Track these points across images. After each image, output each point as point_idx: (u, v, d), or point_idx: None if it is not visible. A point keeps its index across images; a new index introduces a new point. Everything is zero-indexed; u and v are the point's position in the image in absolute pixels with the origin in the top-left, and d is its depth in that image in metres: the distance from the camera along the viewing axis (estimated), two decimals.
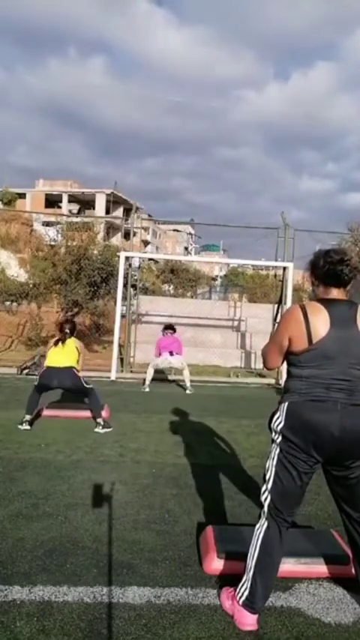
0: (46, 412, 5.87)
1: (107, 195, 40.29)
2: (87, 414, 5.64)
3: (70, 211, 36.81)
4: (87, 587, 2.36)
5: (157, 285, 24.59)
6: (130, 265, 11.51)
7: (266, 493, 2.17)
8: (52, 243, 14.44)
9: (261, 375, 10.90)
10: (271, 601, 2.31)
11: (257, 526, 2.20)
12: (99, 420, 5.29)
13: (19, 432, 5.05)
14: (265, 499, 2.17)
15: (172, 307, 13.62)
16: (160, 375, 8.50)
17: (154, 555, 2.68)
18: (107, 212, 39.02)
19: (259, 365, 11.76)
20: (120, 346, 10.10)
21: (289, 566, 2.52)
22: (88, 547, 2.74)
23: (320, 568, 2.53)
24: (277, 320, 10.85)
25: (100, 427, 5.24)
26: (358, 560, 2.28)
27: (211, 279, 31.98)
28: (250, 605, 2.10)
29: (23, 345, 12.15)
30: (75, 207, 42.86)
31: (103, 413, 5.54)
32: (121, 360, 10.48)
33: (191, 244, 57.32)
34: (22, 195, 40.83)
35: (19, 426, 5.14)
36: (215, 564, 2.50)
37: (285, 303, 10.32)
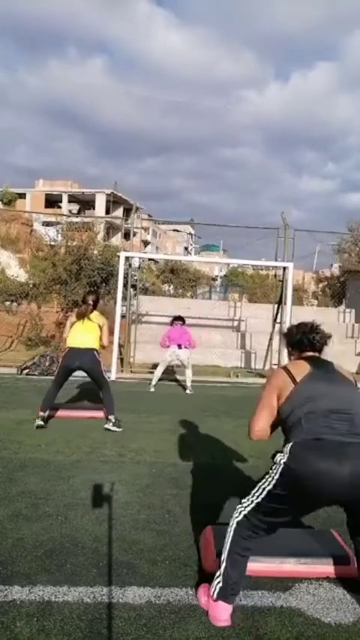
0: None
1: (107, 195, 40.22)
2: (87, 413, 5.64)
3: (70, 211, 36.78)
4: (87, 587, 2.36)
5: (157, 285, 24.59)
6: (130, 265, 11.52)
7: (249, 506, 2.16)
8: (52, 243, 14.44)
9: (261, 375, 10.90)
10: (271, 601, 2.31)
11: (231, 522, 2.20)
12: (110, 417, 5.24)
13: (19, 432, 5.05)
14: (247, 507, 2.17)
15: (172, 307, 13.61)
16: (163, 375, 8.47)
17: (154, 555, 2.68)
18: (107, 212, 38.99)
19: (259, 365, 11.77)
20: (120, 346, 10.11)
21: (289, 566, 2.52)
22: (88, 547, 2.74)
23: (320, 568, 2.53)
24: (277, 320, 10.87)
25: (111, 424, 5.20)
26: None
27: (211, 279, 31.98)
28: (223, 597, 2.13)
29: (23, 345, 12.15)
30: (75, 207, 42.82)
31: (103, 413, 5.54)
32: (121, 360, 10.48)
33: (191, 244, 57.27)
34: (22, 195, 40.80)
35: (36, 421, 5.10)
36: (215, 564, 2.49)
37: (285, 303, 10.32)
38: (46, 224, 22.40)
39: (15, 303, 13.62)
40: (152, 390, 8.03)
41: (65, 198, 41.61)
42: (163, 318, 12.49)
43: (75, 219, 17.27)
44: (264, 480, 2.14)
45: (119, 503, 3.35)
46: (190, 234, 57.70)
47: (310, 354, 2.38)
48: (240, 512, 2.19)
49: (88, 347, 5.22)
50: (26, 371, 9.07)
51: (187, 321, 12.92)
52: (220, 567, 2.18)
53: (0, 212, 29.42)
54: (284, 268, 10.60)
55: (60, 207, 40.61)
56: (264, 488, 2.12)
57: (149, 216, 30.61)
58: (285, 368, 2.30)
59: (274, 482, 2.09)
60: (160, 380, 8.32)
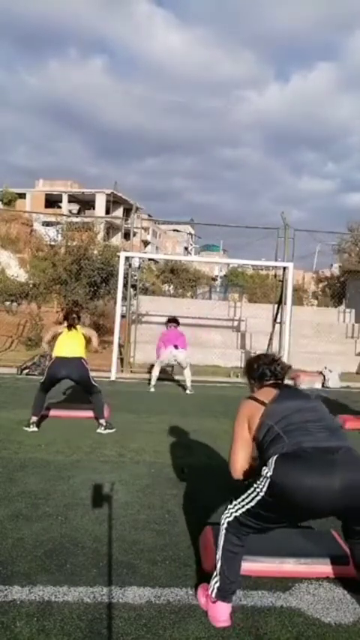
0: (46, 412, 5.87)
1: (107, 195, 40.24)
2: (87, 414, 5.64)
3: (70, 211, 36.78)
4: (87, 587, 2.36)
5: (157, 285, 24.60)
6: (130, 265, 11.52)
7: (240, 510, 2.16)
8: (52, 243, 14.44)
9: None
10: (271, 601, 2.31)
11: (222, 521, 2.21)
12: (101, 420, 5.26)
13: (19, 432, 5.05)
14: (238, 510, 2.16)
15: (172, 307, 13.61)
16: (161, 375, 8.48)
17: (154, 555, 2.68)
18: (107, 212, 38.99)
19: None
20: (120, 346, 10.11)
21: (289, 566, 2.52)
22: (88, 547, 2.74)
23: (320, 568, 2.53)
24: (277, 320, 10.87)
25: (103, 428, 5.22)
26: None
27: (211, 279, 31.99)
28: (221, 597, 2.13)
29: (23, 345, 12.15)
30: (75, 207, 42.81)
31: (104, 413, 5.53)
32: (121, 360, 10.48)
33: (191, 244, 57.27)
34: (22, 195, 40.80)
35: (26, 428, 5.08)
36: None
37: (285, 303, 10.32)
38: (46, 224, 22.42)
39: (15, 303, 13.63)
40: (152, 390, 8.03)
41: (65, 198, 41.60)
42: (163, 318, 12.48)
43: (75, 219, 17.28)
44: (252, 489, 2.12)
45: (119, 503, 3.35)
46: (190, 234, 57.71)
47: (272, 382, 2.45)
48: (231, 513, 2.19)
49: (76, 356, 5.25)
50: (26, 371, 9.07)
51: (187, 321, 12.98)
52: (216, 567, 2.19)
53: (0, 212, 29.41)
54: (284, 268, 10.60)
55: (60, 207, 40.60)
56: (253, 498, 2.11)
57: (149, 216, 30.62)
58: (251, 397, 2.37)
59: (262, 493, 2.07)
60: (160, 380, 8.32)
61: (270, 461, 2.08)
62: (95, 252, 12.78)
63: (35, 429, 5.12)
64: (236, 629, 2.10)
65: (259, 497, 2.08)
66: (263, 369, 2.48)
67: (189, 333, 12.44)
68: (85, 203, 43.14)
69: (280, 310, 10.77)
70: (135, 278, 12.34)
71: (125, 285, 10.51)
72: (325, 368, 9.86)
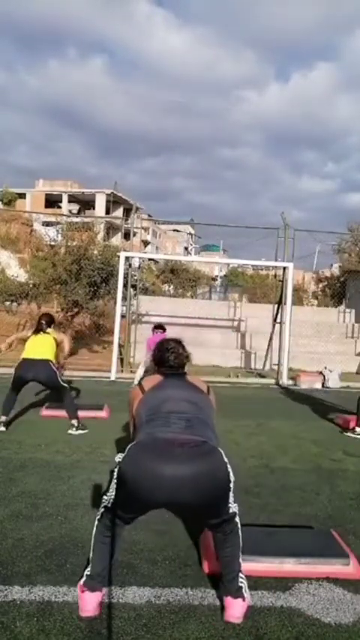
0: (46, 412, 5.88)
1: (107, 195, 40.21)
2: (87, 414, 5.64)
3: (70, 211, 36.78)
4: None
5: (157, 285, 24.59)
6: (130, 265, 11.52)
7: (106, 502, 2.26)
8: (52, 243, 14.42)
9: (261, 375, 10.91)
10: (271, 601, 2.31)
11: (97, 515, 2.29)
12: (73, 421, 5.19)
13: (19, 432, 5.05)
14: (105, 502, 2.26)
15: (172, 307, 13.62)
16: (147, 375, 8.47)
17: (154, 555, 2.68)
18: (107, 212, 38.98)
19: (259, 365, 11.78)
20: (120, 346, 10.11)
21: (289, 566, 2.52)
22: (88, 547, 2.73)
23: (320, 568, 2.53)
24: (277, 320, 10.87)
25: (74, 428, 5.15)
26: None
27: (211, 279, 31.98)
28: (89, 586, 2.17)
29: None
30: (75, 207, 42.82)
31: (103, 413, 5.53)
32: (121, 360, 10.48)
33: (191, 244, 57.24)
34: (22, 195, 40.81)
35: None
36: (215, 564, 2.49)
37: (285, 303, 10.32)
38: (46, 224, 22.39)
39: (15, 303, 13.61)
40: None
41: (65, 198, 41.61)
42: (163, 318, 12.48)
43: (75, 219, 17.27)
44: (112, 480, 2.23)
45: None
46: (190, 234, 57.68)
47: (169, 370, 2.52)
48: (101, 506, 2.28)
49: (42, 358, 5.20)
50: None
51: (187, 321, 13.01)
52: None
53: (0, 212, 29.40)
54: (284, 268, 10.60)
55: (60, 207, 40.61)
56: (113, 487, 2.22)
57: (149, 216, 30.61)
58: (139, 383, 2.56)
59: (116, 482, 2.18)
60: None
61: (126, 448, 2.20)
62: (95, 252, 12.76)
63: (3, 428, 5.08)
64: (236, 629, 2.10)
65: (115, 486, 2.19)
66: (161, 355, 2.55)
67: (189, 334, 12.48)
68: (85, 203, 43.15)
69: (280, 310, 10.77)
70: (135, 278, 12.34)
71: (125, 285, 10.51)
72: (325, 368, 9.87)
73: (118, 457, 2.19)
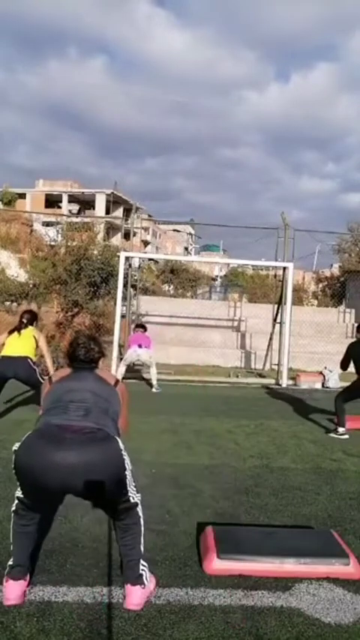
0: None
1: (107, 195, 40.22)
2: None
3: (70, 211, 36.77)
4: (87, 587, 2.36)
5: (157, 285, 24.59)
6: (130, 265, 11.52)
7: (17, 492, 2.28)
8: (52, 243, 14.42)
9: (261, 375, 10.91)
10: (271, 601, 2.31)
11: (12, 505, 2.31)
12: None
13: (20, 432, 5.03)
14: (16, 493, 2.29)
15: (172, 307, 13.61)
16: (128, 374, 8.42)
17: (154, 555, 2.68)
18: (107, 212, 38.97)
19: (259, 365, 11.77)
20: (120, 346, 10.10)
21: (289, 566, 2.52)
22: (88, 547, 2.74)
23: (320, 568, 2.53)
24: (277, 320, 10.87)
25: None
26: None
27: (211, 279, 31.98)
28: (11, 575, 2.21)
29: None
30: (75, 208, 42.79)
31: None
32: (121, 359, 10.46)
33: (191, 244, 57.25)
34: (22, 195, 40.76)
35: None
36: (215, 564, 2.50)
37: (285, 304, 10.32)
38: (46, 224, 22.41)
39: (15, 303, 13.60)
40: None
41: (65, 198, 41.58)
42: (163, 318, 12.51)
43: (75, 219, 17.28)
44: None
45: None
46: (190, 234, 57.71)
47: (76, 363, 2.54)
48: (15, 496, 2.30)
49: (22, 355, 5.24)
50: None
51: (187, 321, 13.00)
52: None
53: (0, 212, 29.40)
54: (284, 268, 10.60)
55: (60, 207, 40.58)
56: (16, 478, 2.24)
57: (149, 216, 30.59)
58: (51, 375, 2.62)
59: (14, 470, 2.20)
60: (126, 379, 8.25)
61: (23, 437, 2.23)
62: (95, 252, 12.76)
63: None
64: (236, 629, 2.10)
65: (15, 474, 2.21)
66: (72, 350, 2.57)
67: (189, 334, 12.50)
68: (85, 203, 43.12)
69: (280, 310, 10.76)
70: (135, 278, 12.34)
71: (125, 285, 10.51)
72: (325, 368, 9.86)
73: (15, 446, 2.22)
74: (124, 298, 10.50)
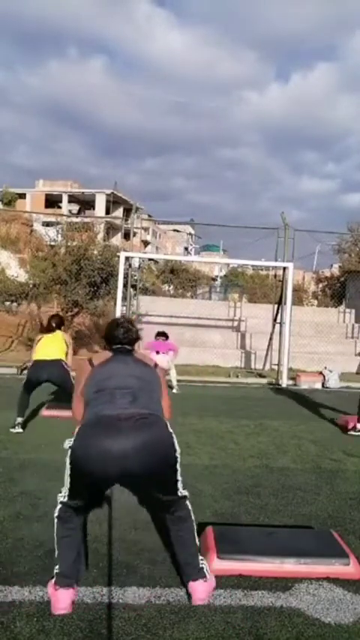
0: (46, 412, 5.88)
1: (107, 195, 40.24)
2: None
3: (70, 211, 36.78)
4: (87, 587, 2.35)
5: (157, 285, 24.60)
6: (130, 265, 11.53)
7: (63, 495, 2.28)
8: (52, 243, 14.43)
9: (261, 375, 10.91)
10: (271, 601, 2.31)
11: (55, 513, 2.31)
12: None
13: (20, 432, 5.05)
14: (62, 496, 2.28)
15: (172, 307, 13.62)
16: None
17: (154, 555, 2.68)
18: (107, 212, 38.98)
19: (259, 365, 11.78)
20: None
21: (289, 566, 2.52)
22: (88, 547, 2.74)
23: (320, 568, 2.53)
24: (277, 320, 10.87)
25: None
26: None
27: (211, 279, 31.98)
28: (60, 584, 2.19)
29: (23, 345, 12.14)
30: (75, 208, 42.80)
31: None
32: None
33: (191, 244, 57.24)
34: (22, 196, 40.76)
35: (12, 430, 5.06)
36: (215, 564, 2.50)
37: (285, 304, 10.32)
38: (46, 224, 22.41)
39: (15, 304, 13.60)
40: None
41: (65, 198, 41.59)
42: (163, 318, 12.50)
43: (75, 220, 17.29)
44: (65, 469, 2.25)
45: (119, 504, 3.34)
46: (190, 234, 57.70)
47: (118, 346, 2.53)
48: (59, 502, 2.29)
49: (55, 358, 5.26)
50: (26, 371, 9.06)
51: (187, 321, 13.00)
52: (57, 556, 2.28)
53: (0, 212, 29.39)
54: (284, 268, 10.60)
55: (60, 207, 40.59)
56: (67, 476, 2.23)
57: (149, 216, 30.58)
58: (89, 358, 2.55)
59: (68, 468, 2.20)
60: None
61: (75, 431, 2.25)
62: (95, 252, 12.77)
63: (20, 430, 5.10)
64: (236, 629, 2.10)
65: (69, 473, 2.21)
66: (111, 331, 2.57)
67: (189, 334, 12.50)
68: (85, 203, 43.13)
69: (280, 310, 10.77)
70: (135, 278, 12.35)
71: (125, 285, 10.52)
72: (325, 368, 9.87)
73: (67, 442, 2.22)
74: (124, 298, 10.50)
